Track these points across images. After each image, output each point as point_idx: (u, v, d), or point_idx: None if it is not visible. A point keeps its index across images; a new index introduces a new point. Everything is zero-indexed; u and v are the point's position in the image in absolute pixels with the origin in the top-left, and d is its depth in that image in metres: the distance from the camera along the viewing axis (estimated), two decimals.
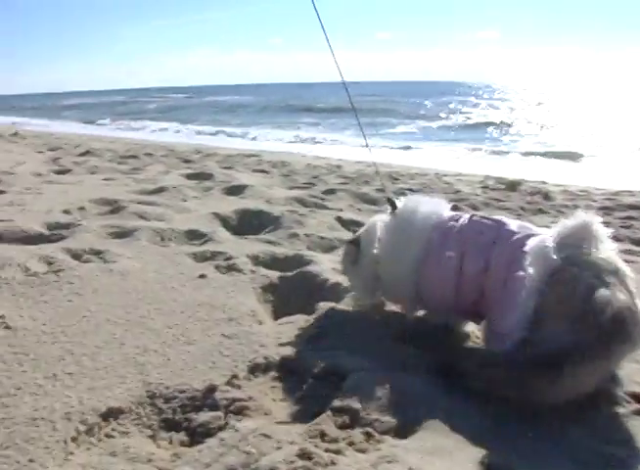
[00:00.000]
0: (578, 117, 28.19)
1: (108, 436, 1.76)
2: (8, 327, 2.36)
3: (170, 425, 1.83)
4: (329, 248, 3.94)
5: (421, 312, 2.62)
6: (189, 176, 7.44)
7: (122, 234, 3.95)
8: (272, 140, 20.10)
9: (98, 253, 3.44)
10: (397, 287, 2.53)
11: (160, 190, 5.83)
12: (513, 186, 8.29)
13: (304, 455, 1.53)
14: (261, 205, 5.24)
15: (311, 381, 2.07)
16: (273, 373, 2.11)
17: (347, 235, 3.93)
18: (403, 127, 25.49)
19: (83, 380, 1.98)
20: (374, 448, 1.66)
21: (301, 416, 1.87)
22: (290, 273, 3.21)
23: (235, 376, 2.02)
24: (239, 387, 1.98)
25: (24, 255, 3.26)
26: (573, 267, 1.92)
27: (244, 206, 5.11)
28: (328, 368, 2.10)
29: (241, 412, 1.84)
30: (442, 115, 31.91)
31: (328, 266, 3.23)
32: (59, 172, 7.49)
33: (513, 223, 2.31)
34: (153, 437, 1.79)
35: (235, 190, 6.23)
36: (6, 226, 3.83)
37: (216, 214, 4.71)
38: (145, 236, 3.86)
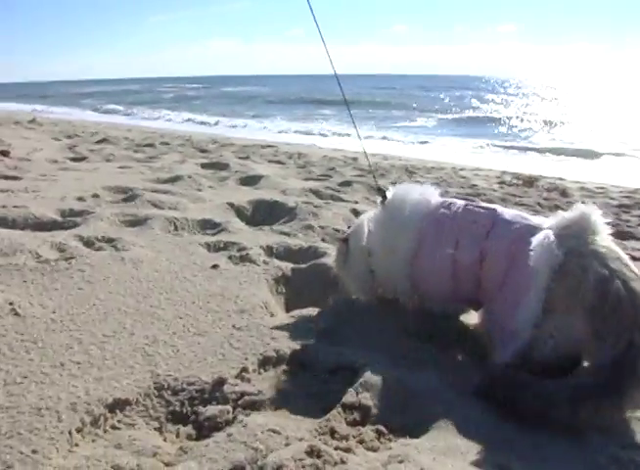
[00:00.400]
0: (596, 114, 27.93)
1: (113, 427, 1.72)
2: (17, 314, 2.33)
3: (178, 418, 1.79)
4: None
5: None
6: (204, 166, 7.41)
7: (136, 222, 3.92)
8: (289, 131, 20.06)
9: (110, 241, 3.41)
10: (391, 279, 2.51)
11: (176, 179, 5.79)
12: (530, 182, 8.21)
13: (313, 453, 1.49)
14: (276, 195, 5.20)
15: (323, 376, 2.04)
16: (284, 367, 2.06)
17: None
18: (420, 121, 25.42)
19: (91, 370, 1.95)
20: (385, 447, 1.62)
21: (312, 412, 1.83)
22: (303, 265, 3.17)
23: (245, 369, 1.98)
24: (248, 380, 1.93)
25: (37, 241, 3.24)
26: (579, 258, 1.90)
27: (259, 196, 5.07)
28: (340, 363, 2.06)
29: (250, 407, 1.79)
30: (459, 109, 31.82)
31: None
32: (75, 159, 7.49)
33: (508, 212, 2.29)
34: (159, 429, 1.75)
35: (250, 180, 6.20)
36: (19, 212, 3.80)
37: (231, 205, 4.67)
38: (158, 225, 3.82)
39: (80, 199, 4.52)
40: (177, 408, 1.82)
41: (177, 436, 1.72)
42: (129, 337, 2.22)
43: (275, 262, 3.22)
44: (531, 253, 1.96)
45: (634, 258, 4.00)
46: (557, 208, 6.05)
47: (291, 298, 2.95)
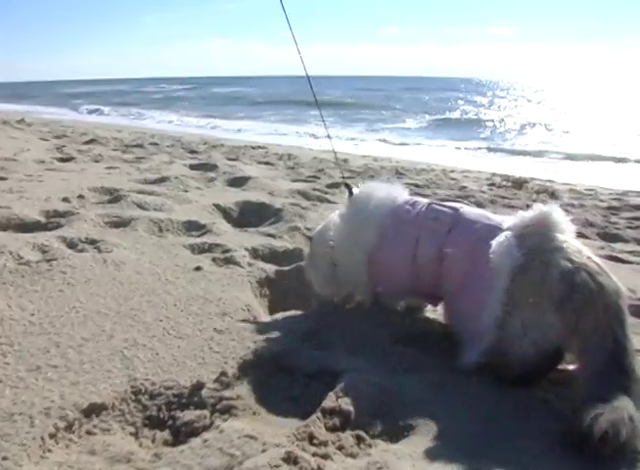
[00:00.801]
0: (588, 117, 28.02)
1: (88, 433, 1.68)
2: None
3: (154, 423, 1.76)
4: None
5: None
6: (193, 167, 7.37)
7: (120, 224, 3.88)
8: (280, 132, 20.04)
9: (93, 242, 3.37)
10: (351, 273, 2.52)
11: (163, 180, 5.75)
12: (520, 184, 8.23)
13: (290, 459, 1.46)
14: (264, 197, 5.17)
15: (304, 380, 2.01)
16: (264, 371, 2.03)
17: None
18: (411, 123, 25.44)
19: (67, 374, 1.91)
20: (364, 453, 1.60)
21: (291, 416, 1.80)
22: (288, 267, 3.14)
23: (224, 373, 1.94)
24: (227, 385, 1.90)
25: (18, 243, 3.19)
26: (541, 254, 1.92)
27: (246, 197, 5.04)
28: (321, 367, 2.04)
29: (228, 411, 1.76)
30: (450, 111, 31.94)
31: None
32: (62, 160, 7.42)
33: (471, 212, 2.31)
34: (135, 435, 1.71)
35: (238, 181, 6.17)
36: (2, 213, 3.76)
37: (217, 206, 4.64)
38: (143, 226, 3.79)
39: (65, 200, 4.46)
40: (154, 413, 1.78)
41: (153, 441, 1.69)
42: (108, 340, 2.18)
43: (259, 264, 3.19)
44: (491, 255, 1.97)
45: (621, 260, 4.03)
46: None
47: (275, 300, 2.93)
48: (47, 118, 19.48)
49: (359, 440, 1.65)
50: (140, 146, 10.00)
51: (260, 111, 30.30)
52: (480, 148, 16.95)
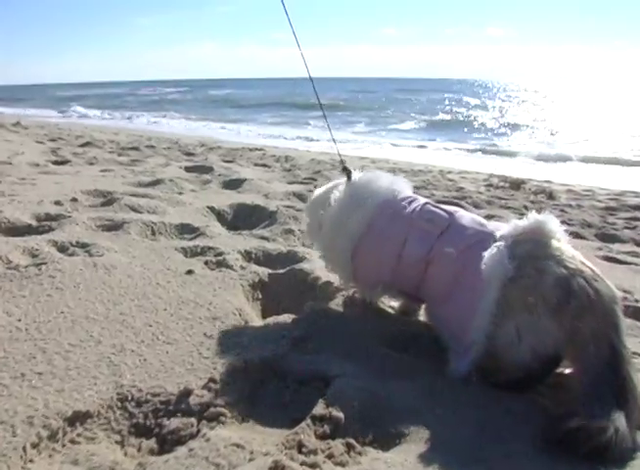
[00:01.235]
0: (584, 118, 28.04)
1: (72, 442, 1.64)
2: None
3: (140, 431, 1.72)
4: None
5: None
6: (188, 169, 7.32)
7: (112, 227, 3.83)
8: (278, 134, 20.03)
9: (85, 246, 3.32)
10: (335, 259, 2.51)
11: (157, 182, 5.70)
12: (517, 185, 8.19)
13: (277, 469, 1.43)
14: (258, 199, 5.12)
15: (294, 386, 1.97)
16: (253, 377, 1.99)
17: None
18: (409, 124, 25.43)
19: (52, 381, 1.87)
20: (354, 462, 1.56)
21: (281, 424, 1.77)
22: (281, 270, 3.10)
23: (213, 379, 1.90)
24: (216, 391, 1.85)
25: (8, 246, 3.15)
26: (535, 261, 1.90)
27: (240, 200, 4.99)
28: (312, 373, 2.00)
29: (215, 419, 1.72)
30: (446, 113, 31.91)
31: (321, 264, 3.10)
32: (57, 163, 7.36)
33: (466, 217, 2.27)
34: (121, 443, 1.67)
35: (233, 184, 6.13)
36: None
37: (211, 208, 4.60)
38: (135, 229, 3.74)
39: (57, 203, 4.41)
40: (140, 421, 1.74)
41: (139, 450, 1.64)
42: (95, 346, 2.14)
43: (252, 268, 3.15)
44: (483, 265, 1.94)
45: (619, 261, 4.00)
46: (543, 211, 6.03)
47: (267, 304, 2.88)
48: (43, 121, 19.41)
49: (349, 448, 1.61)
50: (136, 148, 9.95)
51: (257, 113, 30.28)
52: (477, 149, 16.95)
